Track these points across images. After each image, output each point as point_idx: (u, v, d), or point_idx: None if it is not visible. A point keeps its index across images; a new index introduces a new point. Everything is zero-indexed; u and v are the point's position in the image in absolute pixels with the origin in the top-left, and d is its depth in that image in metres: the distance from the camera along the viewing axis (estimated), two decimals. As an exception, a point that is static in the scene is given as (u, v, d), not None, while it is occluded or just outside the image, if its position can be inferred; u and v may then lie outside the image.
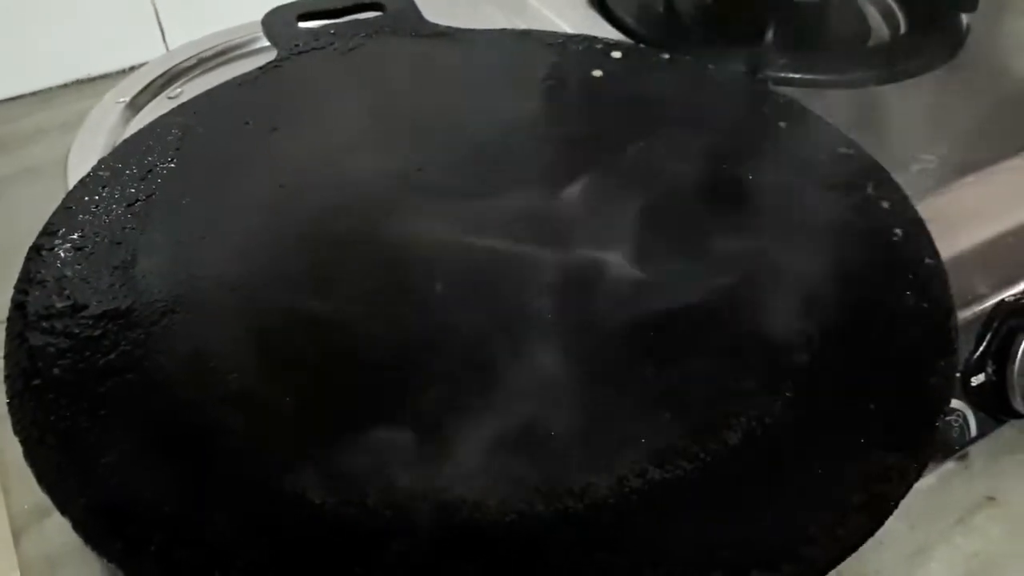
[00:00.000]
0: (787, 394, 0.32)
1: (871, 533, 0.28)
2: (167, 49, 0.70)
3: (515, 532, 0.28)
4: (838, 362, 0.33)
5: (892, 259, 0.37)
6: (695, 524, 0.29)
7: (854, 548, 0.27)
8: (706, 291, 0.36)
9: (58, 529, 0.39)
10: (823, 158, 0.43)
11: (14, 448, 0.30)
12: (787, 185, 0.41)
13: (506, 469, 0.30)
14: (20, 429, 0.30)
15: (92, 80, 0.70)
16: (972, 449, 0.43)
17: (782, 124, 0.45)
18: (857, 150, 0.43)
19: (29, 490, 0.40)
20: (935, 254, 0.37)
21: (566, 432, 0.31)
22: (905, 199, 0.40)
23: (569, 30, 0.60)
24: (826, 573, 0.27)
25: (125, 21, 0.69)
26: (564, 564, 0.28)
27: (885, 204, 0.40)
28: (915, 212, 0.39)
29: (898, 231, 0.38)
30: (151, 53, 0.68)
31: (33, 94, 0.69)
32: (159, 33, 0.71)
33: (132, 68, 0.67)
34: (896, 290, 0.36)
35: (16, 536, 0.39)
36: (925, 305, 0.35)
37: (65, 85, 0.70)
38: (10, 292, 0.36)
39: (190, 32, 0.68)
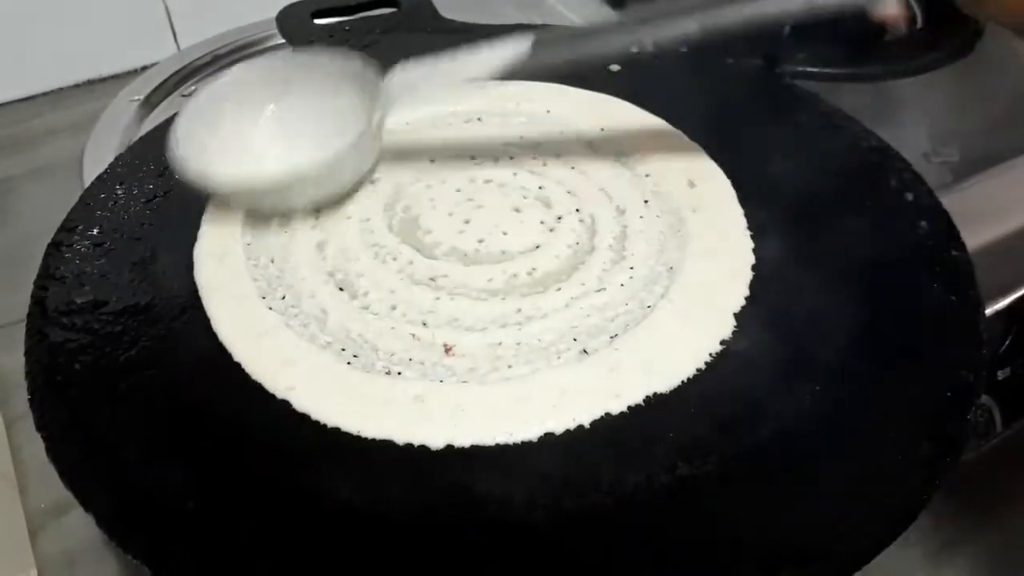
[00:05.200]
0: (816, 388, 0.32)
1: (902, 529, 0.27)
2: (178, 49, 0.70)
3: (542, 528, 0.28)
4: (866, 356, 0.33)
5: (918, 252, 0.37)
6: (724, 520, 0.28)
7: (885, 544, 0.27)
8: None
9: (75, 527, 0.39)
10: (845, 151, 0.42)
11: (31, 446, 0.30)
12: (810, 178, 0.41)
13: (534, 465, 0.30)
14: (42, 426, 0.30)
15: (103, 80, 0.70)
16: (997, 443, 0.42)
17: (803, 117, 0.44)
18: (880, 143, 0.42)
19: (46, 488, 0.40)
20: (961, 246, 0.36)
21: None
22: (929, 192, 0.39)
23: (581, 23, 0.60)
24: (857, 569, 0.27)
25: (136, 21, 0.69)
26: (592, 560, 0.27)
27: (909, 196, 0.39)
28: (940, 204, 0.39)
29: (923, 223, 0.38)
30: (162, 53, 0.68)
31: (44, 94, 0.69)
32: (170, 33, 0.71)
33: (143, 68, 0.67)
34: (923, 283, 0.35)
35: (33, 534, 0.40)
36: (953, 298, 0.35)
37: (76, 85, 0.70)
38: (25, 289, 0.36)
39: (201, 32, 0.68)
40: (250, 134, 0.40)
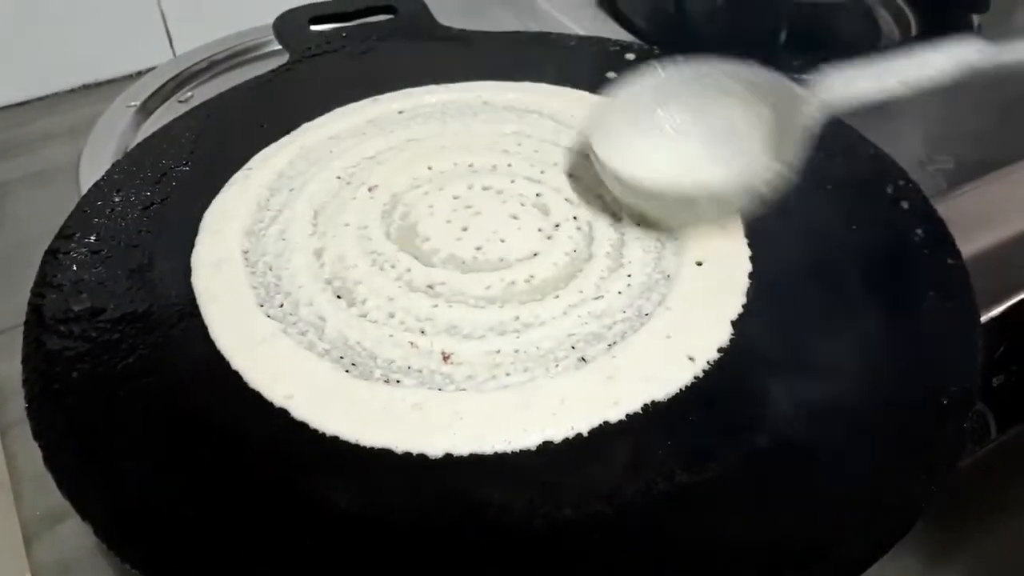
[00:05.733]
0: (813, 396, 0.32)
1: (901, 535, 0.27)
2: (174, 54, 0.70)
3: (541, 536, 0.28)
4: (862, 363, 0.33)
5: (913, 260, 0.37)
6: (723, 527, 0.28)
7: (882, 551, 0.27)
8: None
9: (70, 535, 0.39)
10: (841, 159, 0.42)
11: (26, 454, 0.30)
12: (806, 187, 0.41)
13: (533, 472, 0.30)
14: (40, 434, 0.30)
15: (99, 85, 0.70)
16: (992, 450, 0.43)
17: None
18: (876, 151, 0.42)
19: (41, 496, 0.40)
20: (956, 254, 0.37)
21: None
22: (925, 199, 0.40)
23: (580, 32, 0.60)
24: (856, 575, 0.27)
25: (132, 26, 0.69)
26: (591, 568, 0.27)
27: (905, 204, 0.40)
28: (935, 212, 0.39)
29: (919, 231, 0.38)
30: (158, 58, 0.68)
31: (40, 99, 0.69)
32: (166, 38, 0.71)
33: (139, 73, 0.67)
34: (918, 290, 0.36)
35: (28, 542, 0.39)
36: (948, 305, 0.35)
37: (72, 90, 0.70)
38: (21, 295, 0.36)
39: (197, 37, 0.68)
40: (676, 141, 0.40)
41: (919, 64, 0.36)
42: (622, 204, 0.40)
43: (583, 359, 0.33)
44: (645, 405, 0.31)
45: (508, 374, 0.32)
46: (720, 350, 0.33)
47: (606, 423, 0.31)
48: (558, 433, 0.30)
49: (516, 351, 0.33)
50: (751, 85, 0.39)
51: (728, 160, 0.38)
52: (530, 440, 0.30)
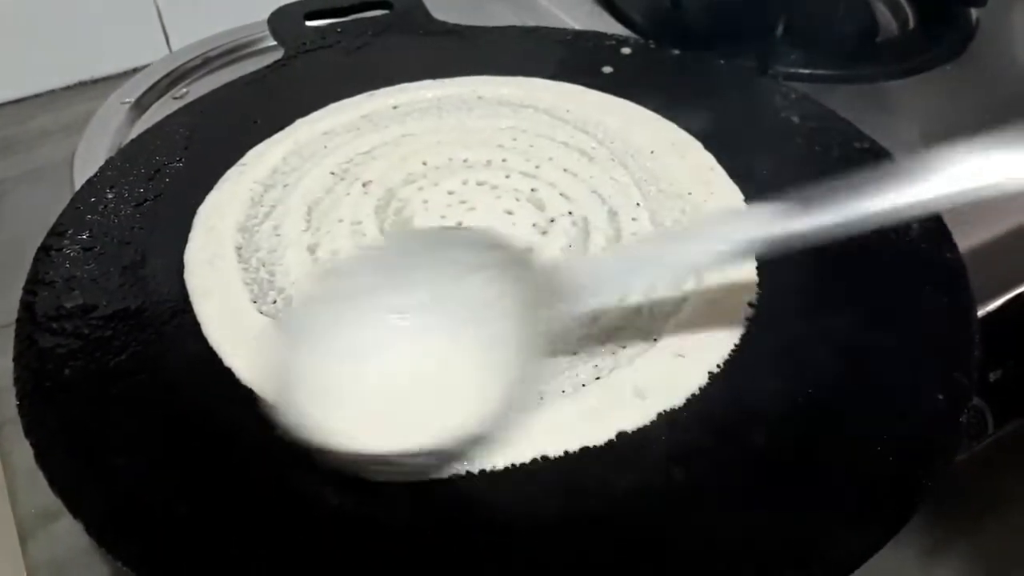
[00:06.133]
0: (808, 391, 0.32)
1: (896, 531, 0.27)
2: (170, 50, 0.70)
3: (535, 533, 0.28)
4: (859, 359, 0.33)
5: (910, 254, 0.37)
6: (718, 524, 0.28)
7: (879, 546, 0.27)
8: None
9: (65, 533, 0.39)
10: (838, 153, 0.42)
11: (20, 452, 0.30)
12: (803, 180, 0.41)
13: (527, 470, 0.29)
14: (31, 431, 0.30)
15: (95, 82, 0.70)
16: (989, 444, 0.42)
17: (795, 119, 0.44)
18: (872, 144, 0.42)
19: (36, 494, 0.40)
20: (954, 248, 0.36)
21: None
22: (921, 193, 0.39)
23: (576, 26, 0.60)
24: (852, 571, 0.27)
25: (128, 23, 0.69)
26: (586, 566, 0.27)
27: (902, 199, 0.39)
28: (932, 206, 0.38)
29: (916, 225, 0.38)
30: (154, 54, 0.68)
31: (36, 96, 0.69)
32: (162, 34, 0.71)
33: (135, 70, 0.67)
34: (915, 285, 0.35)
35: (23, 540, 0.39)
36: (945, 300, 0.35)
37: (68, 87, 0.70)
38: (15, 293, 0.36)
39: (193, 33, 0.68)
40: (391, 382, 0.29)
41: (699, 250, 0.29)
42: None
43: (576, 353, 0.32)
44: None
45: None
46: (720, 350, 0.33)
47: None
48: (556, 451, 0.30)
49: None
50: (491, 256, 0.30)
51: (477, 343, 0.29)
52: (526, 455, 0.30)
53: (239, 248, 0.38)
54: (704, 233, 0.30)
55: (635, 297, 0.33)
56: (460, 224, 0.39)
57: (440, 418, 0.27)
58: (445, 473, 0.28)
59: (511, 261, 0.30)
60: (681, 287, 0.33)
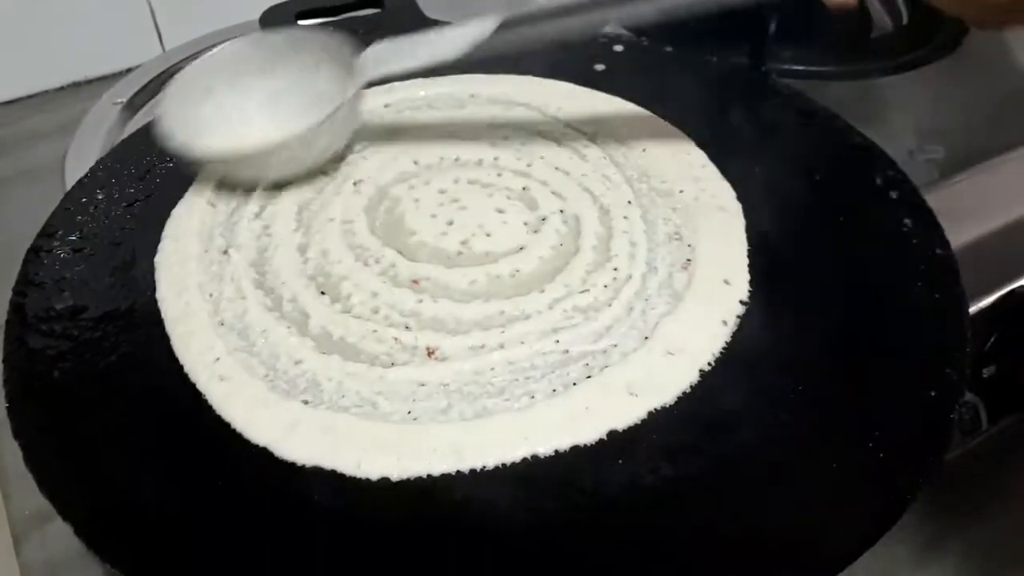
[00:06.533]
0: (800, 387, 0.32)
1: (888, 527, 0.27)
2: (164, 50, 0.70)
3: (526, 530, 0.28)
4: (851, 355, 0.33)
5: (902, 250, 0.37)
6: (710, 520, 0.28)
7: (871, 542, 0.27)
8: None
9: (59, 535, 0.39)
10: (831, 149, 0.42)
11: (14, 453, 0.30)
12: (795, 176, 0.41)
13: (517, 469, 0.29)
14: (20, 433, 0.30)
15: (88, 82, 0.70)
16: (983, 440, 0.42)
17: (788, 115, 0.44)
18: (865, 141, 0.42)
19: (30, 496, 0.40)
20: (945, 244, 0.36)
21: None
22: (914, 189, 0.39)
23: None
24: (845, 566, 0.26)
25: (121, 23, 0.69)
26: (577, 561, 0.27)
27: (894, 194, 0.39)
28: (924, 202, 0.38)
29: (908, 222, 0.38)
30: (148, 55, 0.68)
31: (29, 97, 0.69)
32: (156, 35, 0.71)
33: (129, 70, 0.67)
34: (907, 281, 0.35)
35: (17, 542, 0.39)
36: (937, 296, 0.35)
37: (61, 88, 0.69)
38: (6, 295, 0.36)
39: (186, 33, 0.68)
40: (232, 108, 0.42)
41: (449, 38, 0.39)
42: None
43: (575, 383, 0.32)
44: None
45: (492, 383, 0.32)
46: (712, 348, 0.33)
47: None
48: (546, 451, 0.30)
49: (501, 345, 0.33)
50: (319, 51, 0.42)
51: (307, 117, 0.39)
52: (517, 455, 0.30)
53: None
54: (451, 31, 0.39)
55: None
56: (451, 223, 0.39)
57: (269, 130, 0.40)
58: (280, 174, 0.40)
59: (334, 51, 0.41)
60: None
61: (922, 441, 0.30)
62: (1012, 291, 0.41)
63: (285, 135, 0.39)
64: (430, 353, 0.33)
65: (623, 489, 0.29)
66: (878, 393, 0.32)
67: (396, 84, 0.48)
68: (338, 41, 0.41)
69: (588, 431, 0.30)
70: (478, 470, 0.29)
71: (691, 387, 0.32)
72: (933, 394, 0.31)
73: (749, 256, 0.37)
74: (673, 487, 0.29)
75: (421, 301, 0.35)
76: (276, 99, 0.42)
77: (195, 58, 0.63)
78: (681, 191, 0.40)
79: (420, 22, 0.54)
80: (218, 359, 0.32)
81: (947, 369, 0.31)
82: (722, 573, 0.27)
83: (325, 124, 0.39)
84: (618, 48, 0.51)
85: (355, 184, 0.41)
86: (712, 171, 0.41)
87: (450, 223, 0.38)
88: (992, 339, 0.40)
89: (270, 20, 0.54)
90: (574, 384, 0.32)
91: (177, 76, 0.43)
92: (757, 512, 0.28)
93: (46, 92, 0.69)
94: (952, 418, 0.30)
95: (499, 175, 0.41)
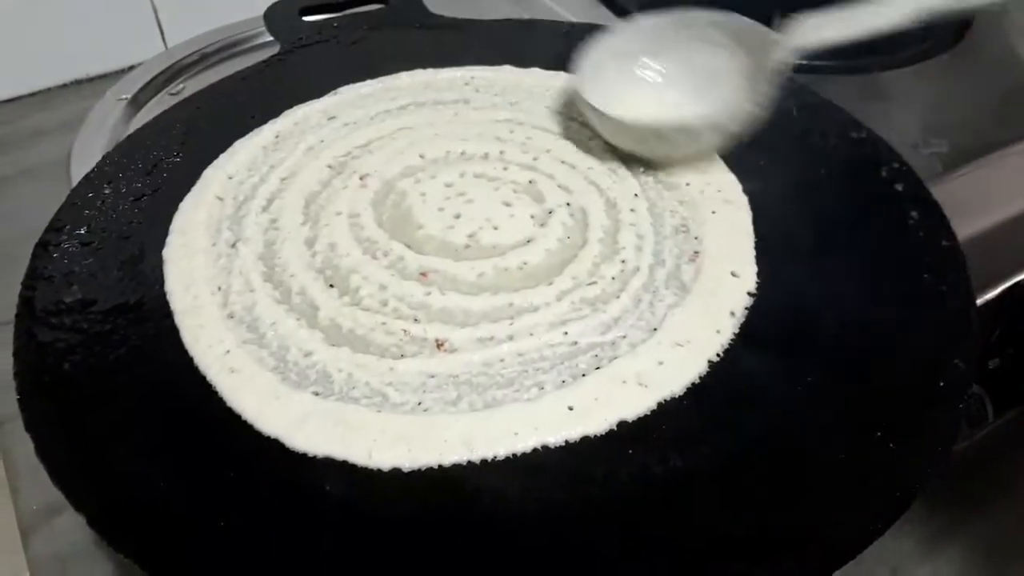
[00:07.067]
0: (808, 378, 0.32)
1: (895, 518, 0.27)
2: (166, 48, 0.70)
3: (536, 520, 0.28)
4: (858, 346, 0.33)
5: (908, 242, 0.37)
6: (719, 510, 0.28)
7: (878, 533, 0.27)
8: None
9: (67, 528, 0.39)
10: (836, 142, 0.42)
11: (22, 448, 0.30)
12: (800, 170, 0.41)
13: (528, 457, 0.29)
14: (31, 426, 0.30)
15: (91, 80, 0.70)
16: (989, 434, 0.43)
17: (793, 109, 0.44)
18: (870, 134, 0.42)
19: (38, 490, 0.40)
20: (952, 237, 0.36)
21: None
22: (919, 182, 0.39)
23: (572, 19, 0.60)
24: (851, 557, 0.27)
25: (123, 21, 0.69)
26: (585, 551, 0.27)
27: (899, 187, 0.39)
28: (930, 195, 0.39)
29: (914, 214, 0.38)
30: (150, 52, 0.68)
31: (32, 95, 0.69)
32: (158, 32, 0.71)
33: (131, 67, 0.67)
34: (913, 273, 0.35)
35: (25, 536, 0.39)
36: (943, 288, 0.35)
37: (64, 85, 0.69)
38: (13, 290, 0.36)
39: (189, 30, 0.68)
40: (659, 88, 0.43)
41: (882, 10, 0.39)
42: (613, 146, 0.42)
43: (576, 343, 0.32)
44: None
45: (508, 381, 0.32)
46: (720, 339, 0.33)
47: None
48: (556, 442, 0.30)
49: (510, 337, 0.33)
50: (729, 32, 0.42)
51: (706, 102, 0.41)
52: (528, 445, 0.30)
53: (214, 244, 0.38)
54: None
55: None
56: (458, 216, 0.39)
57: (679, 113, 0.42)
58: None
59: (742, 35, 0.42)
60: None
61: (930, 432, 0.30)
62: (1018, 283, 0.41)
63: (714, 112, 0.40)
64: (439, 345, 0.33)
65: (633, 479, 0.29)
66: (885, 384, 0.32)
67: (401, 76, 0.48)
68: (748, 22, 0.42)
69: (598, 421, 0.30)
70: (488, 460, 0.29)
71: (700, 378, 0.32)
72: (940, 384, 0.31)
73: (756, 248, 0.37)
74: (682, 477, 0.29)
75: (429, 294, 0.35)
76: (695, 76, 0.43)
77: (198, 55, 0.64)
78: (687, 184, 0.40)
79: (424, 17, 0.54)
80: (228, 351, 0.32)
81: (955, 359, 0.31)
82: (728, 563, 0.27)
83: (745, 103, 0.40)
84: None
85: (361, 178, 0.41)
86: (718, 164, 0.41)
87: (457, 216, 0.38)
88: (998, 331, 0.40)
89: (274, 16, 0.54)
90: (583, 375, 0.32)
91: (597, 44, 0.43)
92: (764, 503, 0.28)
93: (48, 90, 0.69)
94: (960, 408, 0.30)
95: (505, 169, 0.41)
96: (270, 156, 0.43)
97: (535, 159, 0.42)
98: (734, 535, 0.27)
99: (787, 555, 0.27)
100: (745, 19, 0.42)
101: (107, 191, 0.41)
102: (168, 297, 0.35)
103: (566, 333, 0.33)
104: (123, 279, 0.36)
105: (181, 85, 0.62)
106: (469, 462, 0.29)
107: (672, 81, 0.43)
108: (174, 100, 0.54)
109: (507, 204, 0.39)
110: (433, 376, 0.32)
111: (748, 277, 0.36)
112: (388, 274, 0.36)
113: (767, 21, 0.41)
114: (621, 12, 0.63)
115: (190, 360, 0.33)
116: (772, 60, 0.40)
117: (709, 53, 0.42)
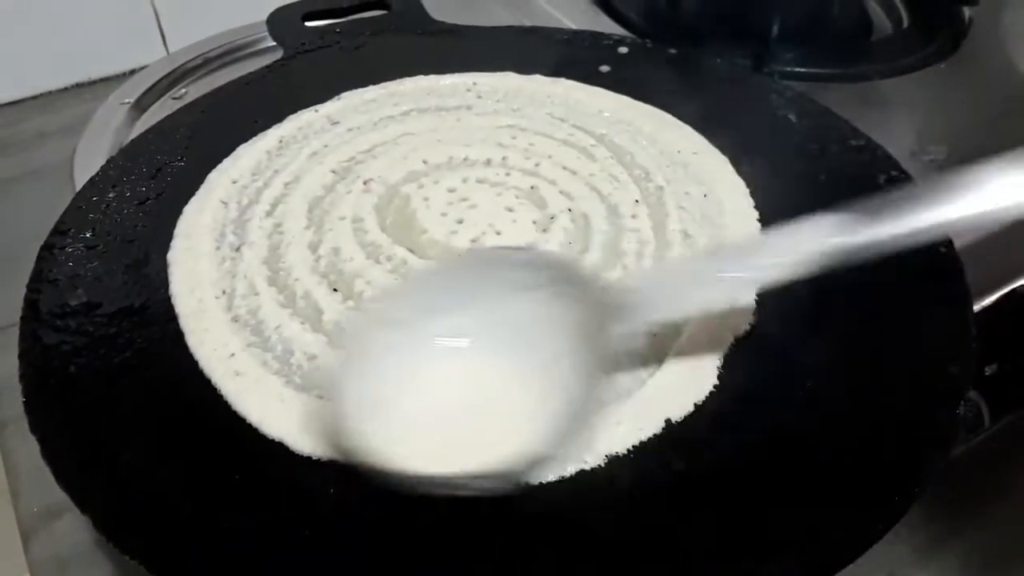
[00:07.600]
0: (806, 384, 0.32)
1: (892, 524, 0.28)
2: (167, 51, 0.70)
3: (536, 521, 0.28)
4: (857, 352, 0.33)
5: (906, 249, 0.37)
6: (716, 514, 0.28)
7: (874, 540, 0.27)
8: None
9: (68, 531, 0.39)
10: (834, 150, 0.43)
11: (23, 450, 0.30)
12: (798, 178, 0.41)
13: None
14: (37, 428, 0.30)
15: (92, 83, 0.70)
16: (985, 440, 0.43)
17: (791, 117, 0.45)
18: (868, 142, 0.43)
19: (38, 492, 0.40)
20: (949, 243, 0.37)
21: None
22: (917, 189, 0.40)
23: (573, 27, 0.60)
24: (847, 563, 0.27)
25: (125, 24, 0.69)
26: (588, 552, 0.27)
27: (897, 195, 0.40)
28: (928, 202, 0.39)
29: (912, 221, 0.38)
30: (151, 56, 0.68)
31: (34, 98, 0.69)
32: (159, 36, 0.71)
33: (132, 71, 0.67)
34: (911, 280, 0.36)
35: (25, 538, 0.39)
36: (941, 294, 0.35)
37: (66, 88, 0.69)
38: (18, 293, 0.36)
39: (190, 34, 0.68)
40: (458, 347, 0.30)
41: (758, 265, 0.29)
42: None
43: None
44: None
45: None
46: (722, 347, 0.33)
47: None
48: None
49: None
50: (552, 278, 0.30)
51: (533, 365, 0.29)
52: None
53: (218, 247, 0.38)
54: (761, 248, 0.30)
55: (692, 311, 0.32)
56: (461, 222, 0.39)
57: (498, 441, 0.27)
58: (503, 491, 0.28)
59: (564, 280, 0.30)
60: (738, 303, 0.32)
61: (928, 437, 0.30)
62: (1014, 290, 0.41)
63: (542, 446, 0.27)
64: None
65: (633, 481, 0.29)
66: (883, 390, 0.32)
67: (404, 81, 0.48)
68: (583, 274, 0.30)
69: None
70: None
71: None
72: (938, 391, 0.31)
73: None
74: (683, 481, 0.29)
75: (432, 298, 0.35)
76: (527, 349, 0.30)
77: (201, 60, 0.65)
78: (687, 193, 0.41)
79: (427, 24, 0.55)
80: (233, 354, 0.33)
81: (952, 366, 0.32)
82: (724, 567, 0.27)
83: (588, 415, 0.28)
84: (623, 50, 0.51)
85: (365, 183, 0.41)
86: (726, 164, 0.42)
87: (460, 221, 0.39)
88: (995, 337, 0.41)
89: (277, 21, 0.54)
90: None
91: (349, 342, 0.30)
92: (760, 508, 0.28)
93: (49, 93, 0.69)
94: (958, 414, 0.31)
95: (508, 174, 0.42)
96: (274, 161, 0.43)
97: (537, 165, 0.42)
98: (728, 540, 0.27)
99: (782, 560, 0.27)
100: (562, 263, 0.32)
101: (111, 195, 0.41)
102: (173, 300, 0.35)
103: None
104: (128, 282, 0.37)
105: (184, 89, 0.63)
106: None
107: (483, 342, 0.30)
108: (177, 104, 0.54)
109: (509, 209, 0.40)
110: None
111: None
112: (392, 279, 0.36)
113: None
114: (620, 19, 0.63)
115: (195, 363, 0.33)
116: (610, 336, 0.29)
117: (528, 303, 0.30)
